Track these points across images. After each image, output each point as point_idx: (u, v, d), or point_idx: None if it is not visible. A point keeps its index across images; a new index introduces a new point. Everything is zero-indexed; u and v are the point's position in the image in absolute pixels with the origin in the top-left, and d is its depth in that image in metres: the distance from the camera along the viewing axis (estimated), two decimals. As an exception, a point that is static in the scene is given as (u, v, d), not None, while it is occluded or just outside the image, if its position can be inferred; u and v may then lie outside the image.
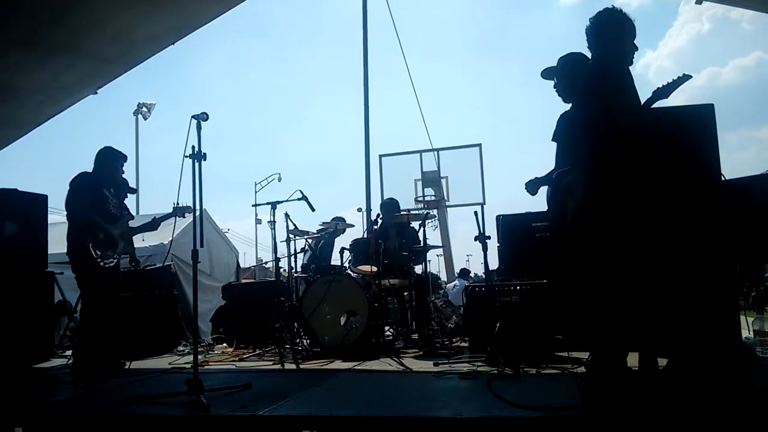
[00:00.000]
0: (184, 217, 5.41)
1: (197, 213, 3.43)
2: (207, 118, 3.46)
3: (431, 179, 11.78)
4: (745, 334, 4.09)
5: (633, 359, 3.47)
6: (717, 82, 78.69)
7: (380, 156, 11.96)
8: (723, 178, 4.12)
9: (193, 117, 3.39)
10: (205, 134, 3.39)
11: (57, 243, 5.90)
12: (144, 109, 19.93)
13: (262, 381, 3.75)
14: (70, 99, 8.27)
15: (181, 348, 6.24)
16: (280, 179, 35.15)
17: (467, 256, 59.89)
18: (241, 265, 15.39)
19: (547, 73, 3.82)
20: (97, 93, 8.30)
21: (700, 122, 4.11)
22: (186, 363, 4.93)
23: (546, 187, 3.94)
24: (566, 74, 3.74)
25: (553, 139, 3.93)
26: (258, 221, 36.09)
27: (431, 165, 11.82)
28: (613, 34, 3.27)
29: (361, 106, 9.20)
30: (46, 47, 6.49)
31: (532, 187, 3.97)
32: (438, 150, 12.00)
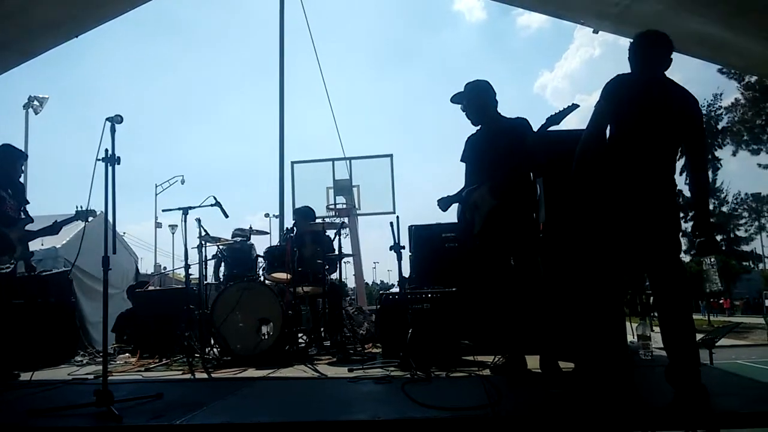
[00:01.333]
0: (88, 221, 5.17)
1: (110, 218, 3.33)
2: (121, 121, 3.37)
3: (343, 187, 11.85)
4: (629, 338, 4.51)
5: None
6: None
7: (293, 162, 11.89)
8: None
9: (107, 119, 3.29)
10: (99, 133, 3.29)
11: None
12: (36, 102, 18.49)
13: (173, 390, 3.67)
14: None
15: (79, 358, 5.91)
16: (183, 182, 33.95)
17: (374, 263, 60.55)
18: (140, 271, 14.75)
19: (457, 98, 4.15)
20: (-11, 83, 7.73)
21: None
22: (87, 374, 4.71)
23: (456, 204, 4.21)
24: (473, 98, 4.09)
25: (461, 160, 4.22)
26: (158, 225, 34.64)
27: (343, 173, 11.90)
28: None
29: (273, 113, 9.23)
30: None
31: (444, 204, 4.23)
32: (350, 159, 12.11)
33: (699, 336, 9.24)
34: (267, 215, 31.28)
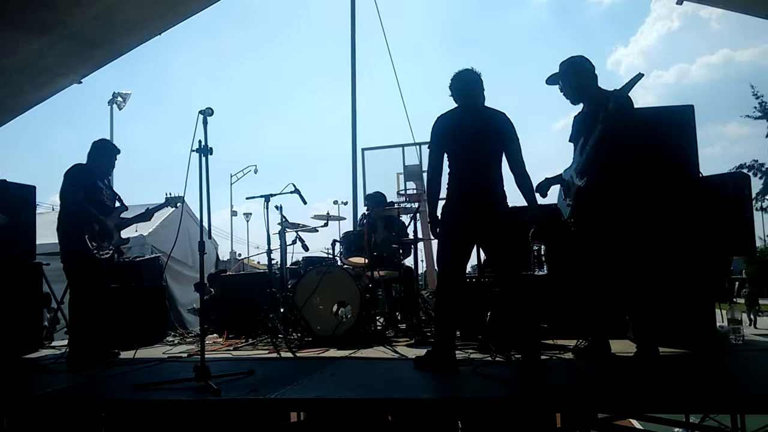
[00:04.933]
0: (176, 207, 5.48)
1: (205, 205, 3.51)
2: (212, 113, 3.55)
3: (413, 172, 11.89)
4: (719, 323, 4.35)
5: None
6: (685, 80, 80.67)
7: (363, 149, 12.00)
8: (700, 175, 4.37)
9: (199, 112, 3.48)
10: (178, 125, 3.49)
11: (41, 233, 5.93)
12: (119, 98, 19.60)
13: (262, 368, 3.86)
14: (52, 84, 8.15)
15: (170, 339, 6.30)
16: (256, 171, 34.98)
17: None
18: (219, 258, 15.42)
19: (552, 80, 4.04)
20: (81, 82, 8.24)
21: (680, 122, 4.36)
22: (180, 352, 5.02)
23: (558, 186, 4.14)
24: (570, 76, 3.96)
25: (570, 140, 4.11)
26: (234, 213, 35.95)
27: (413, 159, 11.95)
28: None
29: (343, 100, 9.36)
30: (30, 25, 6.41)
31: (542, 189, 4.14)
32: (420, 144, 12.12)
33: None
34: (336, 202, 31.81)
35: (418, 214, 6.07)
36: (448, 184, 3.80)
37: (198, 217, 3.62)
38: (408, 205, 10.28)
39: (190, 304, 9.20)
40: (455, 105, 3.88)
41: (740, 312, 4.38)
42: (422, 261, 14.41)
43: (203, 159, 3.45)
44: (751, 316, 19.05)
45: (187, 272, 10.19)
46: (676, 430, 5.11)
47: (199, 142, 3.44)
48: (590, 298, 3.97)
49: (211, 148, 3.47)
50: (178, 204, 5.36)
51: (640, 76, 3.63)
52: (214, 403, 2.87)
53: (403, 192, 11.81)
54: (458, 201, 3.73)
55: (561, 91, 4.03)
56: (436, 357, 3.60)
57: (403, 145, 12.26)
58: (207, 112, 3.52)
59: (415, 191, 11.87)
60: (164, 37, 7.84)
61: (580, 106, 4.04)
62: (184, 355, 4.81)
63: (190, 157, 3.44)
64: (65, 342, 5.23)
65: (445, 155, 3.82)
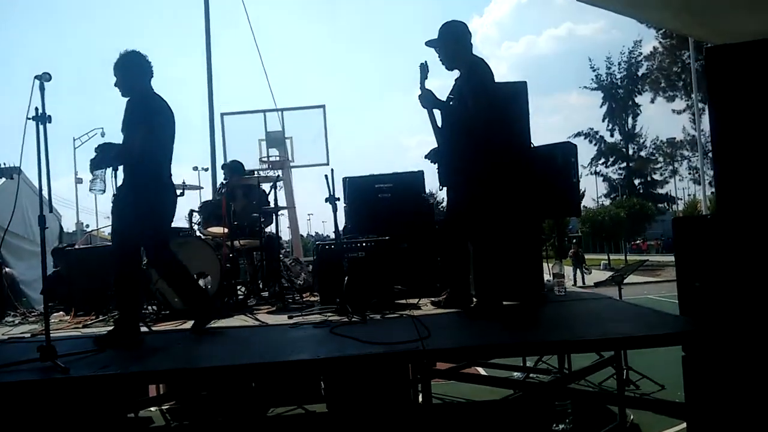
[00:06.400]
0: (12, 178, 5.02)
1: (45, 177, 3.30)
2: (50, 79, 3.30)
3: (276, 139, 11.76)
4: (546, 277, 4.94)
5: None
6: (534, 51, 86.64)
7: (222, 114, 11.61)
8: (532, 145, 4.87)
9: (36, 77, 3.22)
10: (9, 89, 3.26)
11: None
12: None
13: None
14: None
15: (9, 319, 5.81)
16: (103, 134, 32.19)
17: (308, 215, 60.29)
18: (63, 229, 14.22)
19: (430, 43, 4.16)
20: None
21: (515, 97, 4.80)
22: (23, 333, 4.69)
23: None
24: (448, 43, 4.12)
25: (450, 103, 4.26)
26: (79, 181, 33.03)
27: (276, 125, 11.81)
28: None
29: (198, 59, 8.98)
30: None
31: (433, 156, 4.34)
32: (282, 110, 12.02)
33: (610, 273, 10.06)
34: (196, 168, 30.42)
35: (279, 182, 6.09)
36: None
37: (37, 188, 3.39)
38: (270, 173, 10.22)
39: (34, 281, 8.50)
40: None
41: (564, 267, 5.00)
42: (288, 228, 14.45)
43: (41, 128, 3.22)
44: (577, 273, 21.37)
45: (27, 246, 9.35)
46: (515, 374, 5.78)
47: (36, 109, 3.20)
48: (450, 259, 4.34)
49: (49, 116, 3.24)
50: (14, 175, 4.92)
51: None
52: (62, 382, 2.78)
53: (265, 159, 11.67)
54: None
55: (438, 57, 4.18)
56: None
57: (264, 111, 12.07)
58: (44, 77, 3.27)
59: (278, 158, 11.79)
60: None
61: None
62: (27, 335, 4.49)
63: (26, 126, 3.20)
64: None
65: None
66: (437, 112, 4.27)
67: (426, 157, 4.37)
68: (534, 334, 3.58)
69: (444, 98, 4.24)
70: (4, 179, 5.05)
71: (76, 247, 7.00)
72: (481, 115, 3.94)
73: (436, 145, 4.30)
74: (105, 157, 3.90)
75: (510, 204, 4.40)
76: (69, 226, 26.30)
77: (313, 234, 55.19)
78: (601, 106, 45.37)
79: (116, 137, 4.06)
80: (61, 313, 5.93)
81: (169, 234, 4.42)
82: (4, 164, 4.74)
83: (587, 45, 76.79)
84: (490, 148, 4.01)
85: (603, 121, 45.40)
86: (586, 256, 25.04)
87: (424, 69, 4.19)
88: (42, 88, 3.21)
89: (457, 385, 5.44)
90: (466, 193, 4.16)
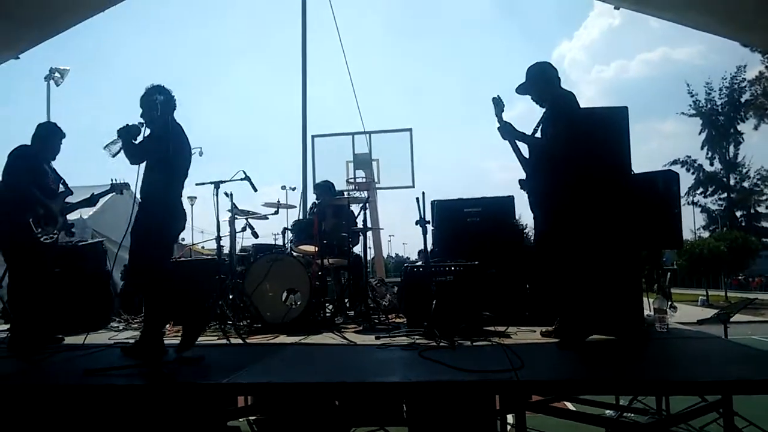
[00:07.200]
0: (121, 193, 5.42)
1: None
2: (164, 99, 3.55)
3: (363, 161, 12.01)
4: (646, 312, 4.68)
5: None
6: (625, 75, 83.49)
7: (313, 136, 12.03)
8: (632, 172, 4.67)
9: (156, 99, 3.47)
10: (121, 103, 3.51)
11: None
12: (57, 74, 18.73)
13: (213, 354, 3.93)
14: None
15: (115, 324, 6.20)
16: (201, 153, 33.96)
17: (389, 236, 60.81)
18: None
19: (522, 89, 4.29)
20: (18, 58, 7.92)
21: (614, 122, 4.63)
22: (127, 338, 4.98)
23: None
24: (533, 83, 4.25)
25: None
26: (179, 197, 35.00)
27: (363, 147, 12.06)
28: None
29: (292, 84, 9.40)
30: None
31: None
32: (370, 132, 12.28)
33: (714, 311, 9.39)
34: (284, 187, 31.49)
35: (367, 204, 6.18)
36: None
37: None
38: (357, 194, 10.39)
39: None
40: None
41: (666, 302, 4.71)
42: (371, 249, 14.60)
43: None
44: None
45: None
46: (607, 412, 5.47)
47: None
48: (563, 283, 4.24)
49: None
50: (124, 190, 5.30)
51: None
52: (166, 388, 2.92)
53: (352, 180, 11.91)
54: None
55: (531, 99, 4.29)
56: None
57: (353, 133, 12.36)
58: (159, 99, 3.51)
59: (364, 180, 11.99)
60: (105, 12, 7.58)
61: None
62: (131, 340, 4.77)
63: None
64: (4, 327, 5.10)
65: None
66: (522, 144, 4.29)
67: (520, 184, 4.34)
68: (634, 371, 3.39)
69: (530, 127, 4.28)
70: (113, 194, 5.45)
71: (174, 259, 7.41)
72: (560, 146, 3.97)
73: (525, 175, 4.30)
74: (130, 137, 4.02)
75: (603, 233, 4.25)
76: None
77: (394, 255, 55.51)
78: (699, 133, 43.04)
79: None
80: (160, 321, 6.27)
81: (167, 253, 4.50)
82: (115, 180, 5.14)
83: (682, 69, 73.15)
84: (572, 177, 3.98)
85: (702, 149, 42.95)
86: (682, 291, 23.58)
87: (497, 103, 4.29)
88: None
89: (536, 417, 5.22)
90: (549, 222, 4.12)
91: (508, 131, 4.23)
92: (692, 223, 44.41)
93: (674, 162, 42.83)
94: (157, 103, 4.00)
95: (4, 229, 4.65)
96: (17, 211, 4.54)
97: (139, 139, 4.02)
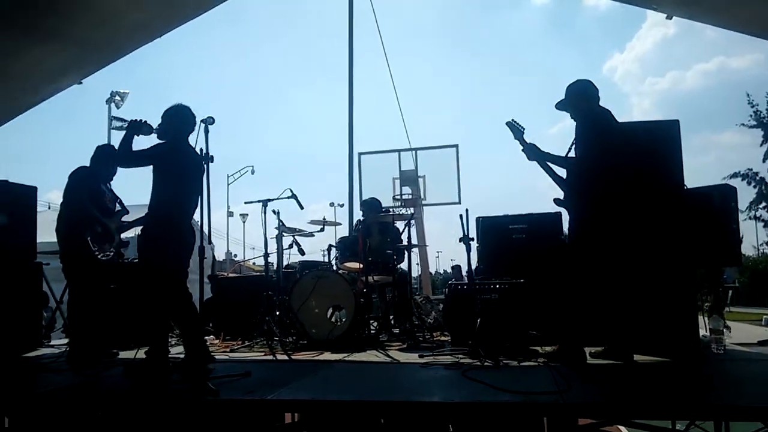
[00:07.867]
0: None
1: (206, 212, 3.63)
2: (213, 122, 3.69)
3: (409, 178, 12.05)
4: (702, 332, 4.48)
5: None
6: (680, 86, 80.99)
7: (360, 154, 12.15)
8: (685, 187, 4.51)
9: (201, 121, 3.60)
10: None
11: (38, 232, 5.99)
12: (117, 97, 19.64)
13: (259, 370, 3.98)
14: (53, 87, 8.25)
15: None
16: (252, 172, 35.14)
17: (437, 252, 60.37)
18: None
19: (560, 106, 4.30)
20: (81, 83, 8.34)
21: (666, 136, 4.50)
22: (178, 353, 5.10)
23: None
24: (571, 100, 4.27)
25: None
26: (230, 214, 36.04)
27: (409, 164, 12.10)
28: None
29: (338, 103, 9.53)
30: (36, 32, 6.51)
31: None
32: (416, 149, 12.31)
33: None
34: (332, 204, 31.97)
35: (412, 220, 6.19)
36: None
37: (198, 221, 3.74)
38: (403, 211, 10.42)
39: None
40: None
41: (722, 322, 4.50)
42: (417, 265, 14.58)
43: (205, 167, 3.57)
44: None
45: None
46: (664, 436, 5.25)
47: (201, 150, 3.56)
48: (568, 306, 4.13)
49: (212, 156, 3.59)
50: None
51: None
52: (213, 404, 2.99)
53: (398, 197, 11.95)
54: None
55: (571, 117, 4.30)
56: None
57: (399, 150, 12.42)
58: (208, 121, 3.65)
59: (410, 196, 12.02)
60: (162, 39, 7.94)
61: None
62: (181, 356, 4.90)
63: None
64: (63, 341, 5.32)
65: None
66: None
67: (555, 202, 4.28)
68: (691, 395, 3.24)
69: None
70: None
71: (226, 275, 7.60)
72: (587, 164, 4.01)
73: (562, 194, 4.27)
74: (132, 132, 4.02)
75: (649, 250, 4.13)
76: (219, 255, 28.59)
77: (442, 272, 55.11)
78: (761, 145, 40.95)
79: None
80: (211, 336, 6.41)
81: (176, 273, 4.32)
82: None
83: (741, 79, 70.50)
84: (605, 193, 3.98)
85: (764, 161, 40.86)
86: (743, 310, 22.42)
87: (512, 127, 4.34)
88: (206, 131, 3.57)
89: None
90: (584, 241, 4.07)
91: (533, 152, 4.29)
92: (755, 238, 42.22)
93: (734, 175, 40.62)
94: (171, 123, 4.00)
95: (64, 247, 4.89)
96: (76, 228, 4.76)
97: (145, 142, 4.03)
